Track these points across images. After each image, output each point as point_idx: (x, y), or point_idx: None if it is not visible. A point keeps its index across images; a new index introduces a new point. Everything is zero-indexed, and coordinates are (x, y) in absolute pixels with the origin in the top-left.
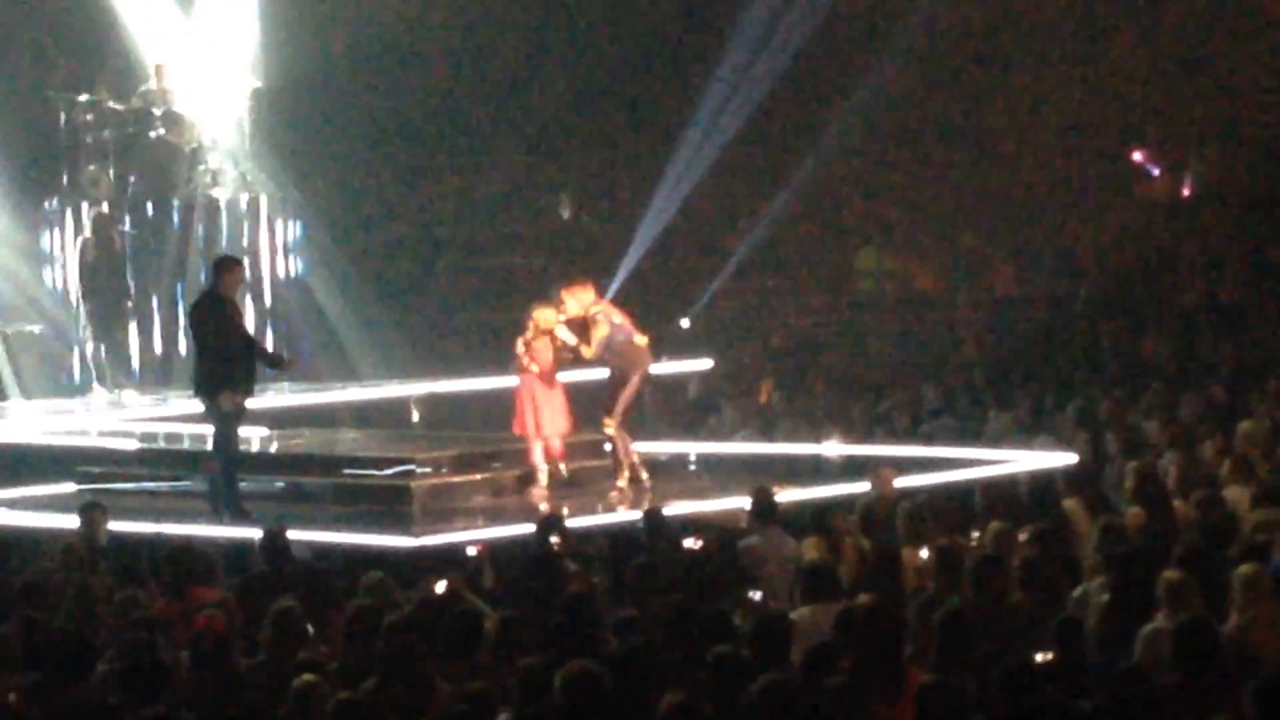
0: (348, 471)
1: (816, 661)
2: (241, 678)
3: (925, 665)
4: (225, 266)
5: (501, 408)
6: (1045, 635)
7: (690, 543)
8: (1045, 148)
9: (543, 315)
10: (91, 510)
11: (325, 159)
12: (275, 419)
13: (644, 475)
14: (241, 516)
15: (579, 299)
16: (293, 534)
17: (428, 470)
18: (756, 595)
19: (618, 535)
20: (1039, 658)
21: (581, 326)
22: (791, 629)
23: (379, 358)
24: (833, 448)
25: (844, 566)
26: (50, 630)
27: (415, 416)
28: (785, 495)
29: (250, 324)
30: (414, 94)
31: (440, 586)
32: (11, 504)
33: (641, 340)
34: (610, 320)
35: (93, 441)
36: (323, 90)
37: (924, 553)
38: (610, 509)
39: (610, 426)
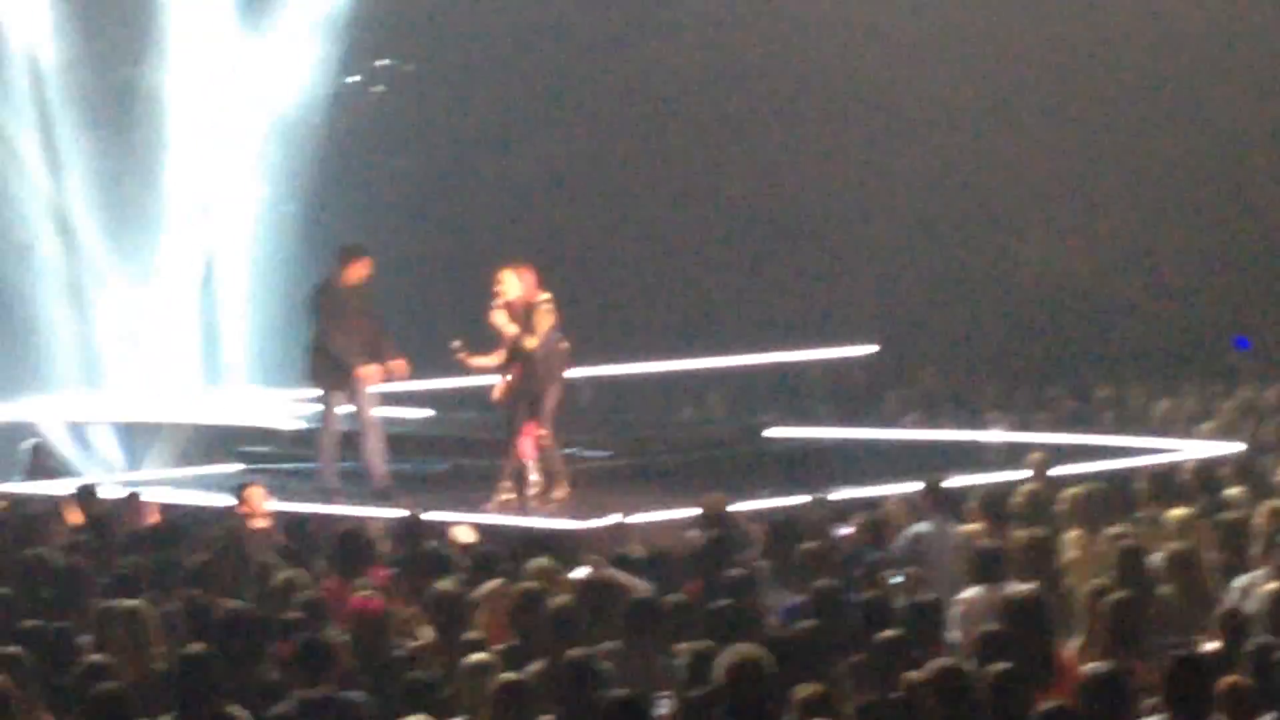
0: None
1: (988, 648)
2: (402, 659)
3: (1092, 654)
4: (348, 257)
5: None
6: (1202, 625)
7: (844, 530)
8: (1218, 132)
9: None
10: (251, 490)
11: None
12: (440, 400)
13: (534, 487)
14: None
15: (524, 281)
16: (456, 516)
17: (593, 453)
18: (898, 579)
19: (780, 521)
20: (1206, 647)
21: (521, 313)
22: (943, 614)
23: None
24: (995, 434)
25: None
26: (217, 611)
27: (585, 398)
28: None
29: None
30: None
31: (585, 570)
32: (177, 484)
33: (564, 343)
34: (554, 313)
35: (255, 421)
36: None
37: (1085, 539)
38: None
39: (545, 436)
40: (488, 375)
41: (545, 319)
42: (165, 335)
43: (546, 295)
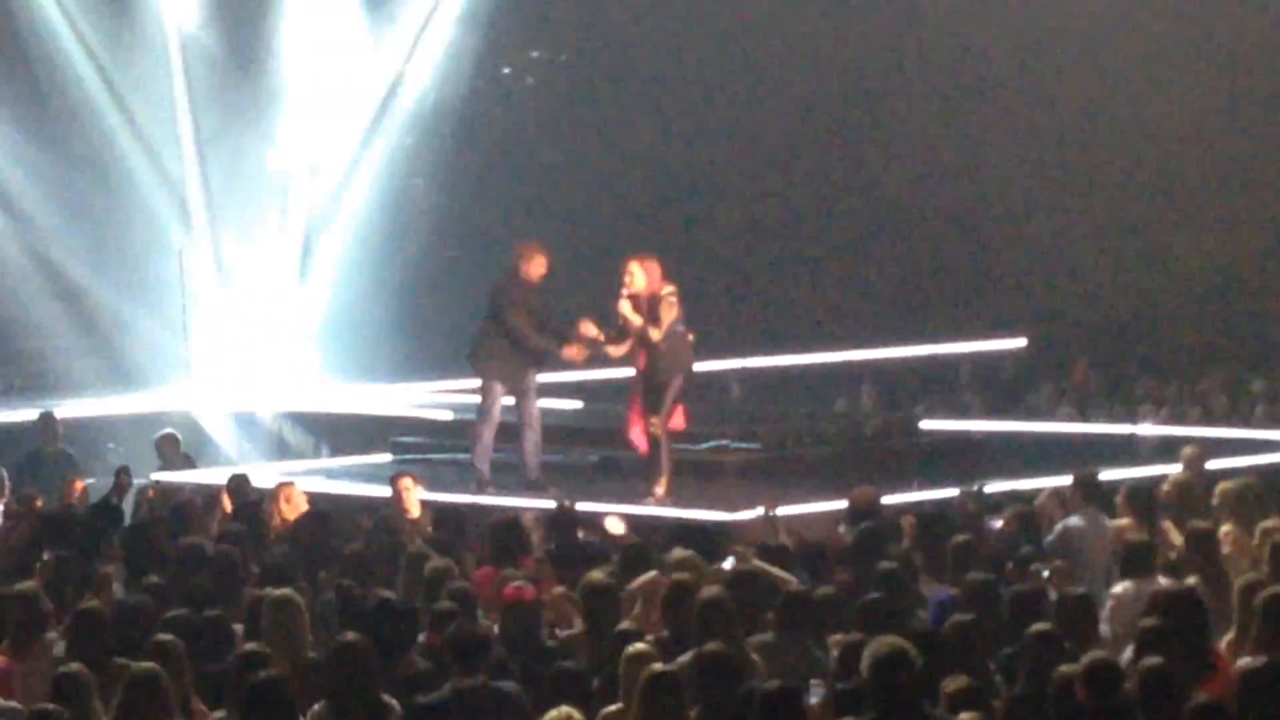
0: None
1: (1147, 642)
2: (553, 649)
3: (1243, 649)
4: (529, 253)
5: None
6: None
7: (996, 523)
8: None
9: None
10: (403, 480)
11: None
12: (590, 392)
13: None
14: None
15: (650, 272)
16: (605, 507)
17: (743, 445)
18: (1045, 572)
19: (931, 514)
20: None
21: (646, 305)
22: (1095, 610)
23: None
24: (1148, 428)
25: (1160, 547)
26: (369, 600)
27: (735, 390)
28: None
29: None
30: None
31: (730, 562)
32: (330, 474)
33: (690, 336)
34: (678, 305)
35: (407, 412)
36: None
37: (1239, 534)
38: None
39: (657, 427)
40: (616, 367)
41: (669, 311)
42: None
43: (671, 287)
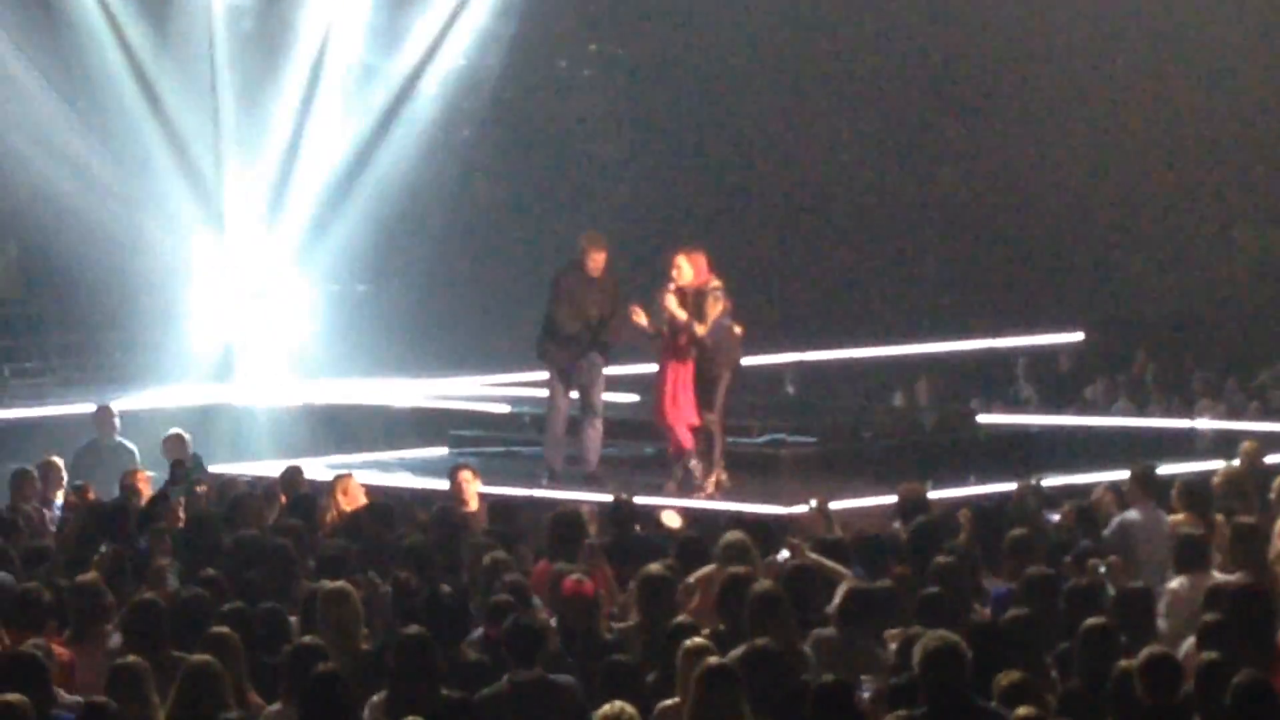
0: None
1: (1209, 637)
2: (609, 642)
3: None
4: (587, 246)
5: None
6: None
7: (1054, 516)
8: None
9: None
10: (462, 473)
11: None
12: (646, 385)
13: (724, 475)
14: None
15: (697, 265)
16: (661, 501)
17: (799, 439)
18: (1102, 567)
19: (988, 507)
20: None
21: (693, 299)
22: (1153, 605)
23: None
24: (1206, 422)
25: (1214, 541)
26: (425, 592)
27: (790, 386)
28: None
29: None
30: None
31: (785, 555)
32: (386, 466)
33: (738, 329)
34: (725, 298)
35: (465, 405)
36: None
37: None
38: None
39: (712, 421)
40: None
41: (715, 305)
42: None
43: (717, 281)
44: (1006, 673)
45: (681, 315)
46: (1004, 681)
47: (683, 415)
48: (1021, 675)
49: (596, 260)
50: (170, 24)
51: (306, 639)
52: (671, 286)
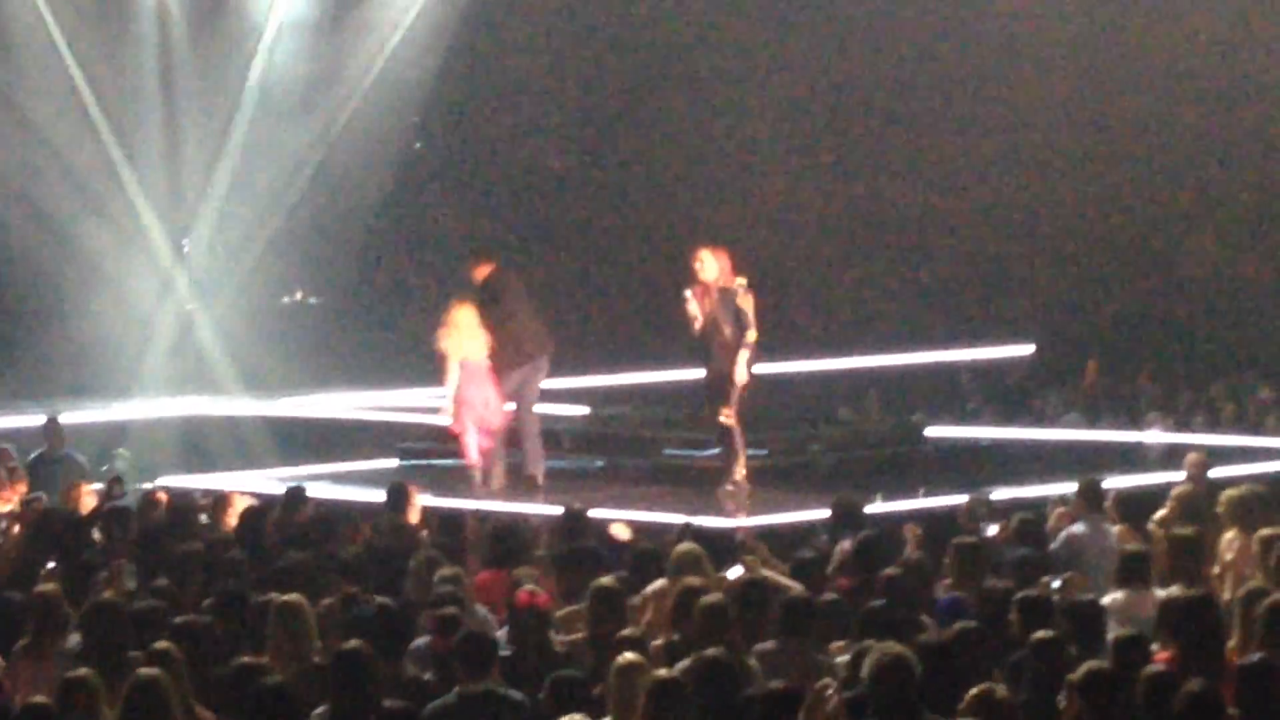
0: (667, 452)
1: (1128, 650)
2: (560, 655)
3: (1245, 656)
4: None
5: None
6: None
7: (992, 529)
8: None
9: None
10: (405, 486)
11: None
12: (596, 398)
13: (743, 473)
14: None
15: (721, 263)
16: (611, 513)
17: (749, 451)
18: (1056, 583)
19: (935, 520)
20: None
21: (720, 299)
22: (1102, 616)
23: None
24: (1155, 435)
25: (1155, 555)
26: (370, 605)
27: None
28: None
29: None
30: None
31: (738, 569)
32: (336, 479)
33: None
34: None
35: (415, 417)
36: None
37: (1242, 541)
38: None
39: (729, 418)
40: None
41: (748, 303)
42: None
43: (744, 279)
44: (978, 684)
45: (696, 314)
46: (973, 693)
47: (480, 419)
48: (991, 687)
49: (468, 272)
50: (116, 33)
51: (246, 659)
52: (695, 285)
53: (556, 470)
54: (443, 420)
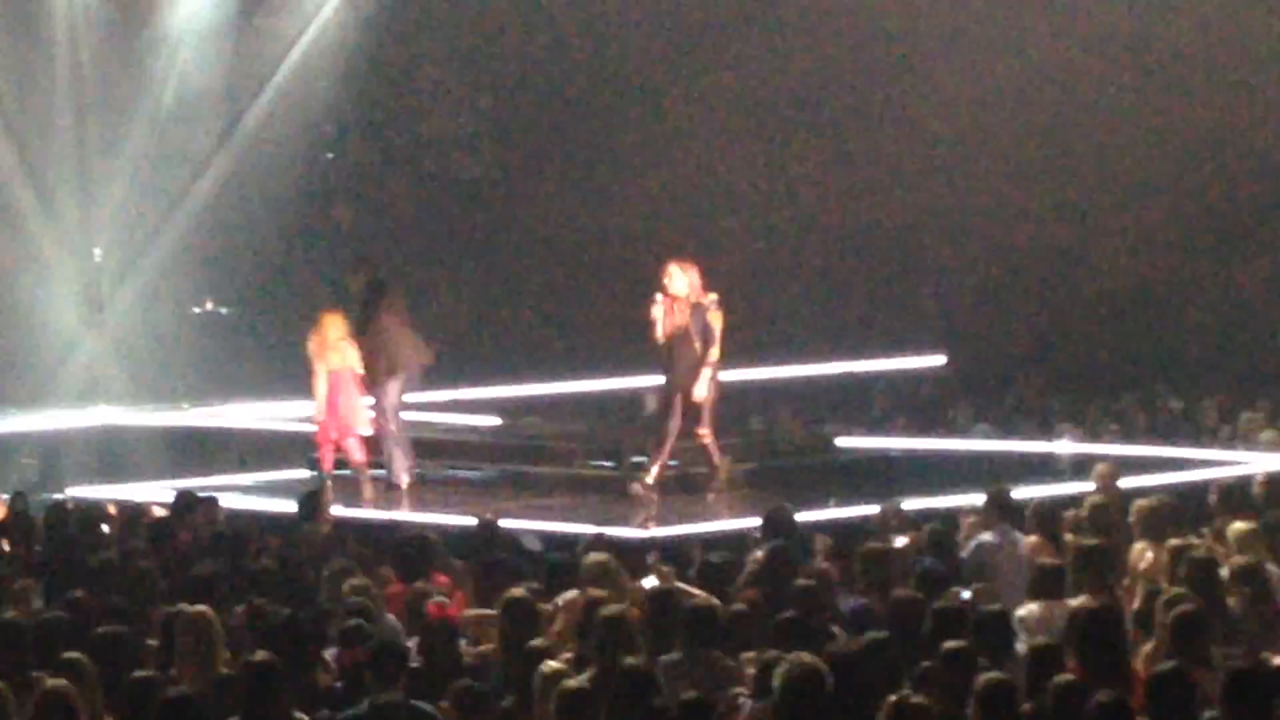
0: (579, 462)
1: (1041, 661)
2: (469, 666)
3: (1156, 665)
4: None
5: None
6: (1263, 638)
7: (901, 540)
8: None
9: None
10: (315, 497)
11: None
12: (507, 408)
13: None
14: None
15: (690, 277)
16: (522, 524)
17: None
18: (966, 594)
19: (845, 529)
20: (1273, 662)
21: (691, 313)
22: (1010, 626)
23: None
24: (1065, 446)
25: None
26: (278, 617)
27: (650, 407)
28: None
29: None
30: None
31: (651, 580)
32: (246, 490)
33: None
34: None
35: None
36: None
37: (1153, 551)
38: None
39: (706, 435)
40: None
41: (718, 320)
42: None
43: (714, 295)
44: (896, 693)
45: (660, 324)
46: (892, 701)
47: (346, 428)
48: (907, 696)
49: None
50: (27, 43)
51: (143, 674)
52: (662, 297)
53: (468, 481)
54: (311, 428)
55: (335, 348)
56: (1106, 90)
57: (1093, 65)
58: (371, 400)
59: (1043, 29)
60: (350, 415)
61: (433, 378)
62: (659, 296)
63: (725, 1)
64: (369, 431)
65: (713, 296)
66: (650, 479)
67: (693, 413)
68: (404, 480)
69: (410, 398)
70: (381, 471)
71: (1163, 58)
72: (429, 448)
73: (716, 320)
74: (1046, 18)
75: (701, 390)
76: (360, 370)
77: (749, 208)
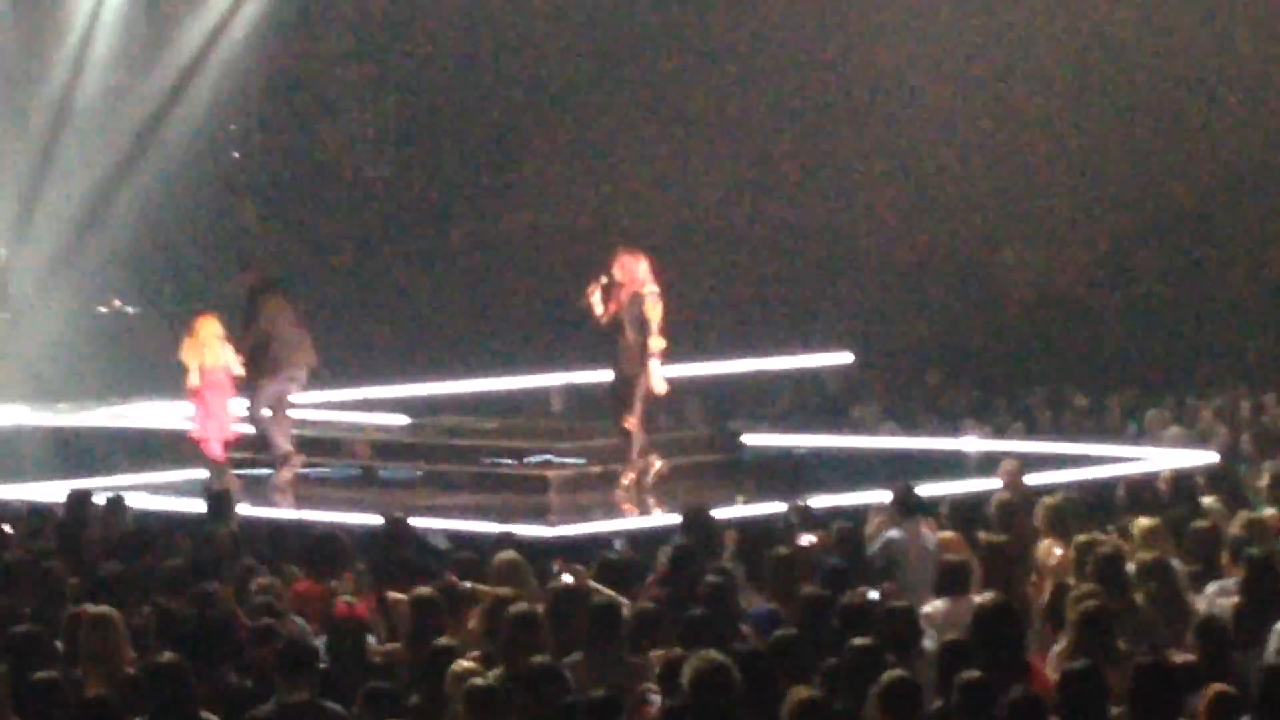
0: (487, 460)
1: (950, 657)
2: (376, 665)
3: (1061, 661)
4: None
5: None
6: (1169, 634)
7: (809, 538)
8: (1199, 146)
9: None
10: (225, 496)
11: None
12: (416, 407)
13: (654, 472)
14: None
15: (628, 268)
16: (430, 522)
17: (566, 460)
18: (873, 594)
19: (751, 528)
20: (1178, 658)
21: (628, 304)
22: (918, 622)
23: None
24: (972, 442)
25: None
26: (186, 618)
27: (556, 406)
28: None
29: None
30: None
31: (566, 578)
32: (152, 489)
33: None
34: (660, 304)
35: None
36: None
37: (1060, 548)
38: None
39: (631, 424)
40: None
41: (655, 310)
42: None
43: (655, 286)
44: (799, 688)
45: (598, 309)
46: (796, 697)
47: (217, 426)
48: (812, 692)
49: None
50: None
51: (45, 674)
52: (603, 279)
53: (376, 480)
54: (187, 427)
55: (209, 347)
56: (1009, 90)
57: (996, 66)
58: (246, 400)
59: (951, 31)
60: (221, 414)
61: (340, 377)
62: (603, 280)
63: (637, 3)
64: (236, 433)
65: (652, 288)
66: (632, 477)
67: (627, 401)
68: (285, 447)
69: (318, 397)
70: (242, 471)
71: (1066, 58)
72: (337, 447)
73: (654, 311)
74: (955, 19)
75: (659, 384)
76: (237, 370)
77: (655, 206)
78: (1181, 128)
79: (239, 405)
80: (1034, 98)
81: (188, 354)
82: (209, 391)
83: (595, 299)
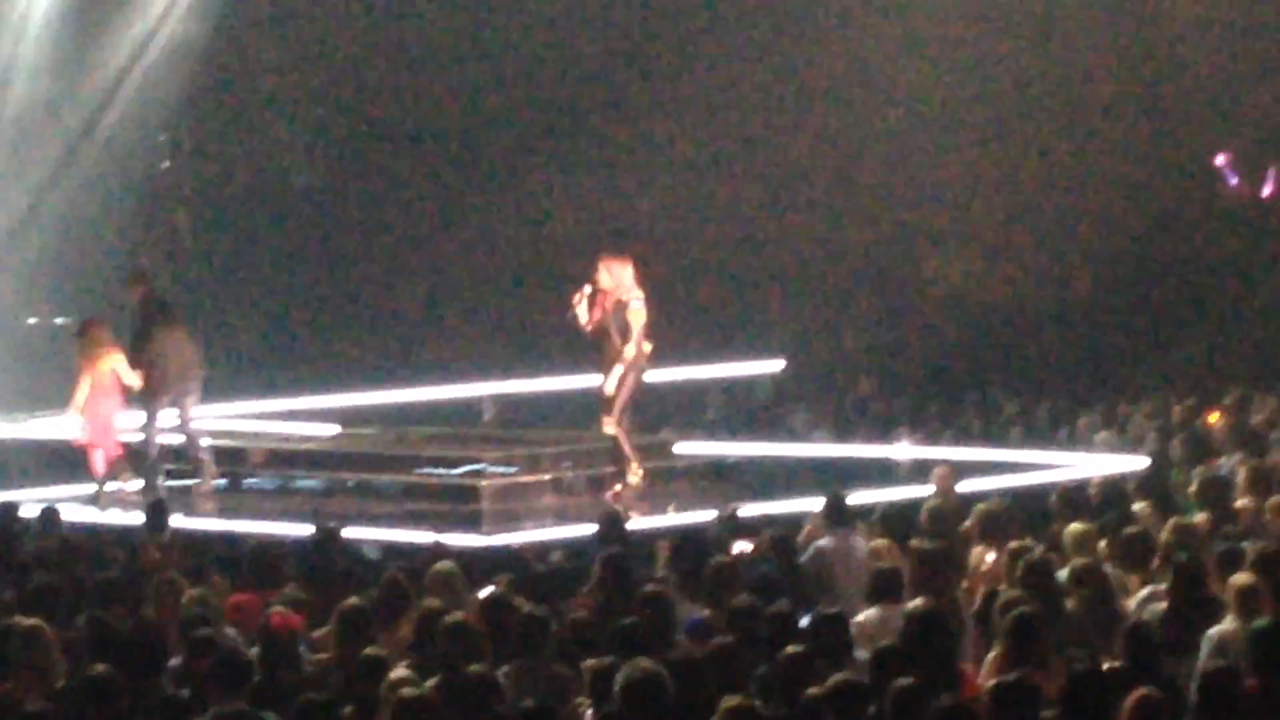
0: (418, 470)
1: (881, 664)
2: (309, 676)
3: (993, 668)
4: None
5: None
6: (1102, 639)
7: (741, 546)
8: (1122, 153)
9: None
10: (162, 507)
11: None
12: (347, 417)
13: (637, 476)
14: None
15: (616, 275)
16: (362, 532)
17: (498, 470)
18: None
19: (685, 535)
20: (1107, 665)
21: (612, 310)
22: (849, 630)
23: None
24: (903, 450)
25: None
26: (120, 628)
27: (487, 415)
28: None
29: None
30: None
31: (486, 591)
32: (81, 501)
33: (647, 345)
34: (644, 312)
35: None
36: None
37: (992, 554)
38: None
39: (610, 426)
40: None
41: (637, 319)
42: None
43: (640, 293)
44: (730, 696)
45: (583, 317)
46: (727, 705)
47: (100, 436)
48: (743, 700)
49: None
50: None
51: None
52: (587, 289)
53: (307, 490)
54: (72, 435)
55: (100, 356)
56: (937, 102)
57: (924, 78)
58: (138, 412)
59: (880, 45)
60: (107, 424)
61: (270, 386)
62: (586, 289)
63: (562, 8)
64: (121, 445)
65: (637, 294)
66: (632, 479)
67: (602, 406)
68: (202, 457)
69: (251, 408)
70: (117, 485)
71: (996, 72)
72: (266, 457)
73: (636, 318)
74: (882, 32)
75: (610, 385)
76: (127, 379)
77: (588, 214)
78: (1112, 136)
79: (130, 418)
80: (961, 110)
81: (79, 362)
82: (98, 399)
83: (581, 307)
